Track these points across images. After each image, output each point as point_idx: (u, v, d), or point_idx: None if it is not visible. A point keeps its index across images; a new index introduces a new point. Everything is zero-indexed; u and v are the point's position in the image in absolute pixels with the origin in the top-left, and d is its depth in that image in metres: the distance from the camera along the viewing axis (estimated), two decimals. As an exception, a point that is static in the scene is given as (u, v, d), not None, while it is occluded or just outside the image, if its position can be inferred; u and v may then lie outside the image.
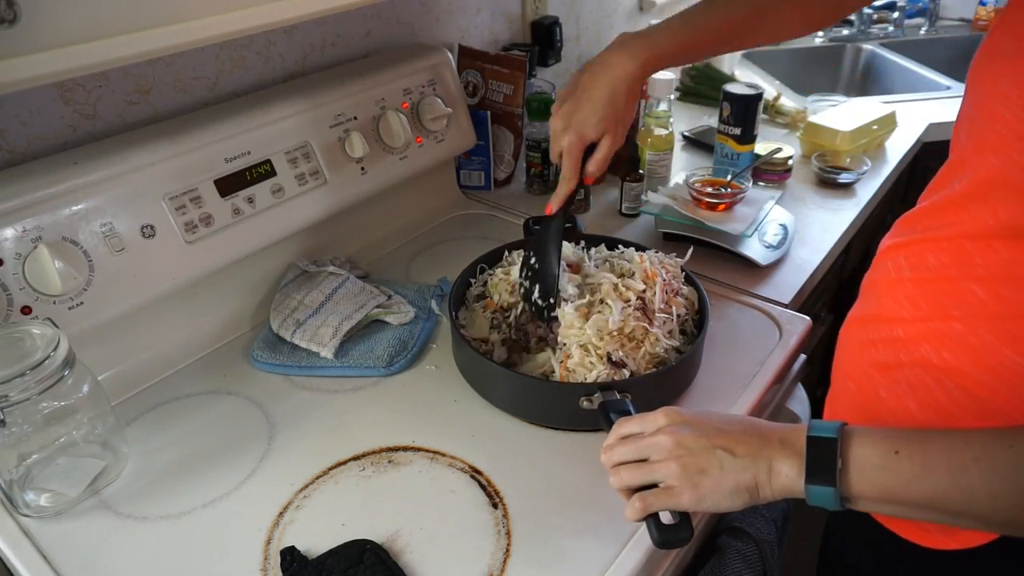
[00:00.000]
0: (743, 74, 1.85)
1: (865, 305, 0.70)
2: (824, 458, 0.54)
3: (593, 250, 0.93)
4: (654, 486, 0.59)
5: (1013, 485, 0.48)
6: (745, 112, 1.20)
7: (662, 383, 0.80)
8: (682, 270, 0.90)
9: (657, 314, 0.81)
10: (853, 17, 2.16)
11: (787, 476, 0.55)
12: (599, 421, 0.72)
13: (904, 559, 0.65)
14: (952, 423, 0.59)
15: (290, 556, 0.64)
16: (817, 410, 0.97)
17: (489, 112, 1.25)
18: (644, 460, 0.60)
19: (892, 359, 0.64)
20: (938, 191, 0.63)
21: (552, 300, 0.81)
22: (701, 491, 0.58)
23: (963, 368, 0.58)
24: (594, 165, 0.84)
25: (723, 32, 0.84)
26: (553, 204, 0.85)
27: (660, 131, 1.22)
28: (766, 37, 0.88)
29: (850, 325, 0.72)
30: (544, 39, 1.47)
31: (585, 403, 0.75)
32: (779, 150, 1.30)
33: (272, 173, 0.94)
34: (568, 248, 0.90)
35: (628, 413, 0.69)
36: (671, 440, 0.59)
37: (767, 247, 1.07)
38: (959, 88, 1.74)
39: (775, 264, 1.07)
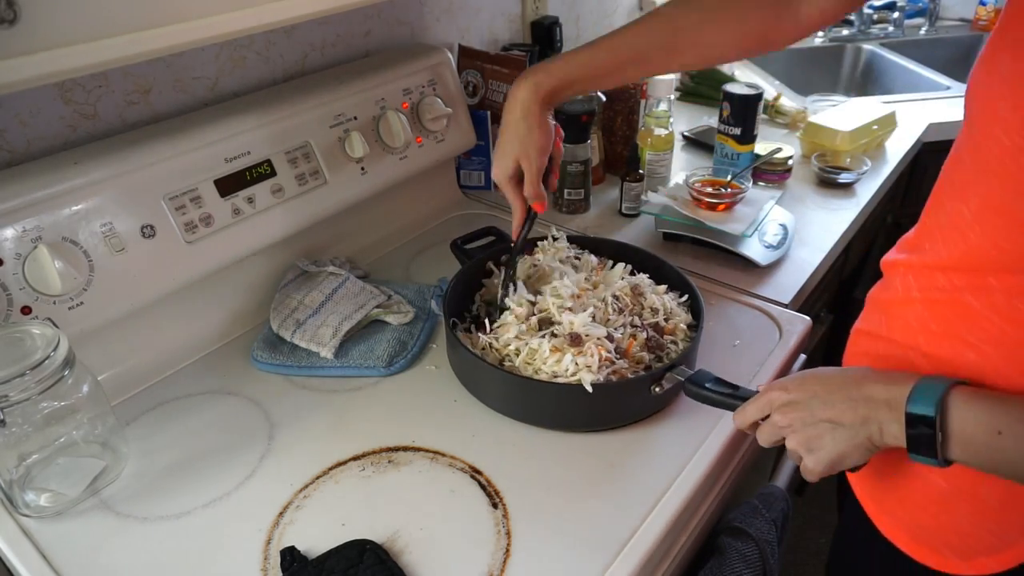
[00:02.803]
0: (743, 74, 1.85)
1: (874, 321, 0.69)
2: (924, 436, 0.53)
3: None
4: None
5: None
6: (745, 112, 1.20)
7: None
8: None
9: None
10: (853, 17, 2.15)
11: (895, 437, 0.55)
12: (689, 394, 0.74)
13: None
14: None
15: (290, 556, 0.64)
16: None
17: (489, 112, 1.26)
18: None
19: None
20: (939, 210, 0.61)
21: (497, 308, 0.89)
22: (823, 459, 0.60)
23: None
24: (524, 191, 0.84)
25: (633, 56, 0.81)
26: (514, 233, 0.88)
27: (660, 131, 1.22)
28: (690, 60, 0.84)
29: (858, 337, 0.71)
30: (544, 39, 1.47)
31: (657, 389, 0.76)
32: (779, 150, 1.30)
33: (272, 173, 0.94)
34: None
35: (717, 379, 0.73)
36: (784, 420, 0.62)
37: (767, 247, 1.07)
38: (959, 88, 1.74)
39: (775, 264, 1.07)
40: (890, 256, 0.67)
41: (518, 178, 0.84)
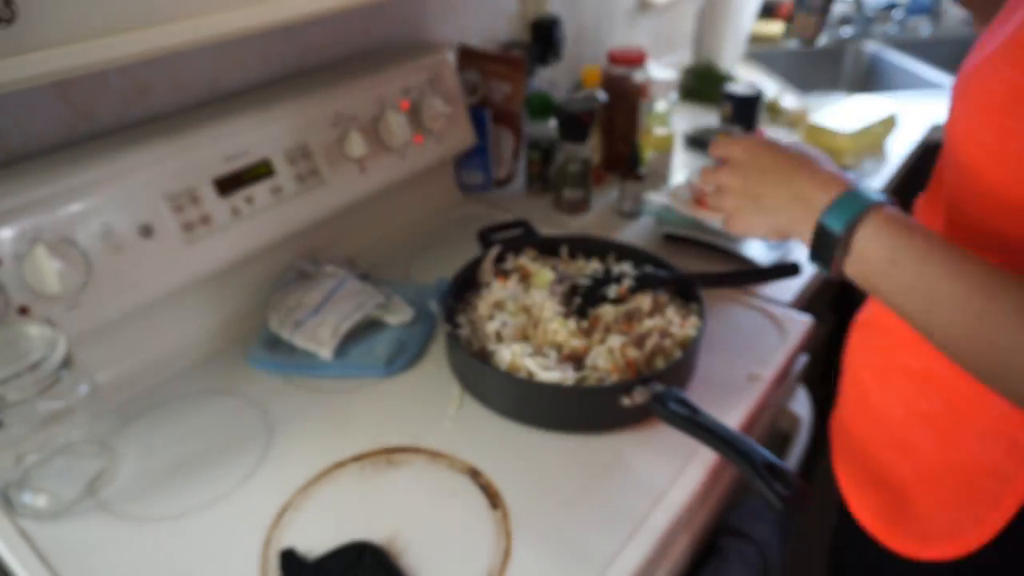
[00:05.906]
0: (743, 74, 1.84)
1: (866, 307, 0.70)
2: (825, 247, 0.57)
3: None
4: None
5: (970, 331, 0.50)
6: (746, 112, 1.20)
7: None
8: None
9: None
10: (854, 16, 2.15)
11: (801, 235, 0.61)
12: (656, 412, 0.73)
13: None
14: (936, 427, 0.61)
15: (289, 557, 0.64)
16: (818, 410, 0.96)
17: (489, 111, 1.25)
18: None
19: (881, 364, 0.65)
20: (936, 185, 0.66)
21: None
22: (737, 225, 0.67)
23: (944, 376, 0.59)
24: None
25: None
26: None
27: (660, 131, 1.22)
28: None
29: (855, 329, 0.73)
30: (544, 38, 1.46)
31: (627, 401, 0.75)
32: (780, 150, 1.30)
33: (271, 173, 0.94)
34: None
35: (684, 401, 0.72)
36: (726, 179, 0.68)
37: (767, 247, 1.07)
38: (960, 88, 1.73)
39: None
40: None
41: None
